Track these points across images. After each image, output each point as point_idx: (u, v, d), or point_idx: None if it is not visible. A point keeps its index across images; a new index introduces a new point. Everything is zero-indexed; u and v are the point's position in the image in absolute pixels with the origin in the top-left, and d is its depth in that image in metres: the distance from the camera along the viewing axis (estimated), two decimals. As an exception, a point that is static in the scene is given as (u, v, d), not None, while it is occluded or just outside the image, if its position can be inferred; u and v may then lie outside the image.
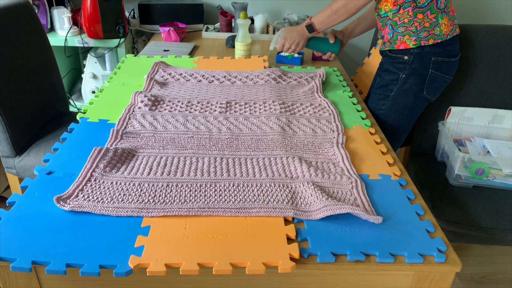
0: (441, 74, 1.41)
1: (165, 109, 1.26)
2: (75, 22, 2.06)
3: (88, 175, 0.92)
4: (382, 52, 1.53)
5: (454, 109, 1.61)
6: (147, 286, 0.77)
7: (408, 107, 1.47)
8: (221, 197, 0.88)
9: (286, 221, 0.83)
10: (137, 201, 0.86)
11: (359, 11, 1.38)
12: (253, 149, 1.07)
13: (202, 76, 1.52)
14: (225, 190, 0.90)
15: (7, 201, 0.85)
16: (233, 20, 2.15)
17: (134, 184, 0.91)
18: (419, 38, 1.36)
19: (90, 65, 2.16)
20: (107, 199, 0.86)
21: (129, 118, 1.19)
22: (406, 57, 1.40)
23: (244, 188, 0.91)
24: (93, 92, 2.19)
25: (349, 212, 0.83)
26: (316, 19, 1.45)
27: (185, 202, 0.86)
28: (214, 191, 0.90)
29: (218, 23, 2.19)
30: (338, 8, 1.37)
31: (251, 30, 2.13)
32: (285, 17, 2.42)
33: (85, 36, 2.02)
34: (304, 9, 2.42)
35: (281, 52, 1.61)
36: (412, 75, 1.41)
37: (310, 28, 1.47)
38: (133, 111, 1.24)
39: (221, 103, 1.31)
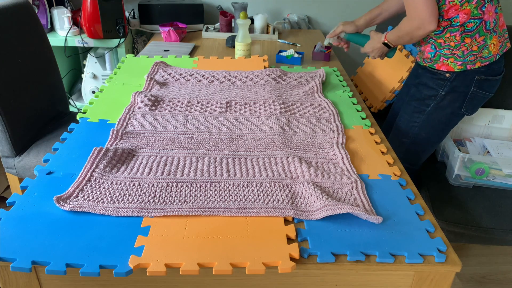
0: (482, 91, 1.36)
1: (165, 109, 1.26)
2: (75, 22, 2.06)
3: (88, 175, 0.92)
4: (419, 65, 1.47)
5: (454, 109, 1.61)
6: (147, 286, 0.77)
7: (443, 122, 1.43)
8: (221, 197, 0.88)
9: (286, 221, 0.83)
10: (137, 201, 0.86)
11: (421, 38, 1.32)
12: (253, 149, 1.07)
13: (202, 76, 1.52)
14: (225, 190, 0.90)
15: (7, 201, 0.85)
16: (233, 20, 2.15)
17: (134, 184, 0.91)
18: (466, 63, 1.30)
19: (90, 65, 2.16)
20: (107, 199, 0.86)
21: (129, 118, 1.19)
22: (448, 75, 1.34)
23: (244, 188, 0.91)
24: (93, 92, 2.19)
25: (349, 212, 0.83)
26: (389, 37, 1.39)
27: (185, 202, 0.86)
28: (214, 191, 0.90)
29: (218, 23, 2.19)
30: (402, 35, 1.32)
31: (251, 30, 2.13)
32: (285, 17, 2.42)
33: (85, 36, 2.02)
34: (304, 9, 2.42)
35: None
36: (452, 93, 1.36)
37: (387, 45, 1.42)
38: (133, 111, 1.24)
39: (221, 103, 1.31)
